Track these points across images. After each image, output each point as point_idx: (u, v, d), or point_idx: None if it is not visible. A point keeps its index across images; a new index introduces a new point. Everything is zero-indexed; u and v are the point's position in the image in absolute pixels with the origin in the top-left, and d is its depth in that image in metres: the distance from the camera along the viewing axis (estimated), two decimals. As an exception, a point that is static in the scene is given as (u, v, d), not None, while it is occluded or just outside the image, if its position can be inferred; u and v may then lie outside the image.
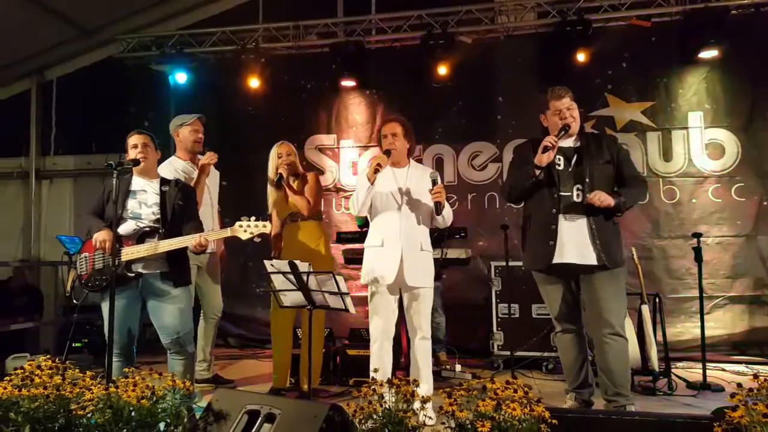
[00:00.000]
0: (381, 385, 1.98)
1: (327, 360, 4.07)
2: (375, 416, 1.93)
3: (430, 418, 2.12)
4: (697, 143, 5.36)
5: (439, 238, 4.52)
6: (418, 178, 3.18)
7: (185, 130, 3.94)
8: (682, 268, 5.08)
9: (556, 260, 2.96)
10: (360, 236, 4.30)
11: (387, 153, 3.13)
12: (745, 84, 5.29)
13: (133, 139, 3.08)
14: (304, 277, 2.79)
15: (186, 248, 2.92)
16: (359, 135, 6.05)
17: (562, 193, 2.96)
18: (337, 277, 2.70)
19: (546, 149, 2.89)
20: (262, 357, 5.14)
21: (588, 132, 3.13)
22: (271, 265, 2.87)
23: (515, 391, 1.94)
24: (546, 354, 4.50)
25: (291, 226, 3.82)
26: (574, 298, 3.11)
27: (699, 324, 4.12)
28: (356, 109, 6.08)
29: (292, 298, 2.92)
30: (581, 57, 5.25)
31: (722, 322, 5.13)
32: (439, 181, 3.09)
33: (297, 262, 2.79)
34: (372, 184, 3.04)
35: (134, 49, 6.25)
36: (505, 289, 4.68)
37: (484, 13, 5.72)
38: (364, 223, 4.14)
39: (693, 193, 5.30)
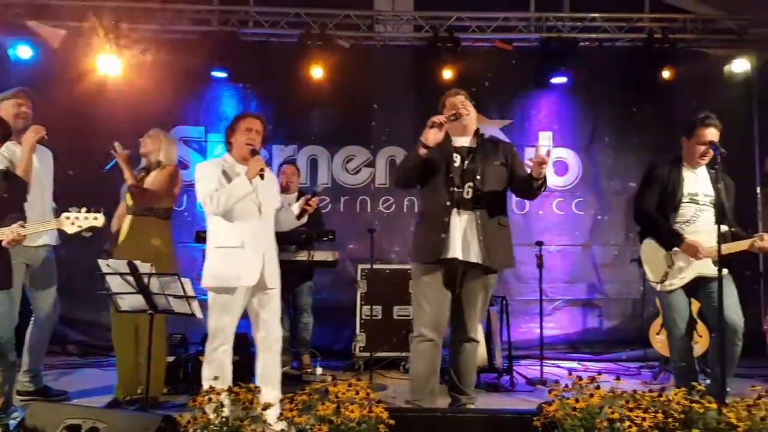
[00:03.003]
0: (218, 393, 1.92)
1: (177, 368, 3.87)
2: (212, 426, 1.87)
3: (270, 425, 2.10)
4: (547, 161, 5.90)
5: (307, 240, 4.54)
6: (270, 180, 3.18)
7: (7, 104, 3.49)
8: (528, 273, 5.52)
9: (446, 254, 2.95)
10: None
11: (254, 153, 3.05)
12: (588, 110, 5.95)
13: None
14: (145, 279, 2.61)
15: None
16: (230, 130, 5.83)
17: (455, 189, 3.00)
18: (183, 280, 2.57)
19: (434, 125, 2.87)
20: (107, 366, 4.73)
21: (486, 136, 3.24)
22: (107, 264, 2.64)
23: (357, 392, 2.00)
24: (404, 354, 4.67)
25: (135, 219, 3.54)
26: (448, 307, 3.07)
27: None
28: (227, 102, 5.84)
29: (131, 301, 2.71)
30: (450, 72, 5.53)
31: (560, 323, 5.72)
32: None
33: (137, 262, 2.60)
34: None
35: (-33, 15, 5.45)
36: (370, 291, 4.79)
37: (362, 20, 5.81)
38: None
39: (540, 206, 5.84)
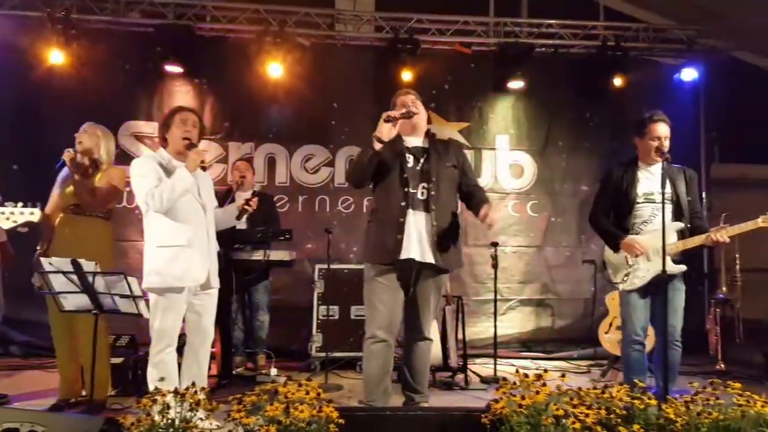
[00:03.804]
0: (164, 395, 1.88)
1: (126, 369, 3.76)
2: (157, 428, 1.82)
3: (219, 426, 2.06)
4: (502, 163, 6.03)
5: (263, 239, 4.48)
6: (205, 178, 3.16)
7: None
8: (484, 273, 5.63)
9: (402, 256, 2.92)
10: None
11: (192, 145, 2.99)
12: (543, 114, 6.06)
13: None
14: (90, 278, 2.52)
15: None
16: (185, 126, 5.70)
17: (410, 190, 2.98)
18: (130, 279, 2.49)
19: (389, 119, 2.87)
20: (51, 367, 4.55)
21: (436, 136, 3.25)
22: (50, 263, 2.55)
23: (307, 392, 1.98)
24: (361, 354, 4.63)
25: (71, 218, 3.40)
26: (402, 307, 3.06)
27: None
28: (182, 98, 5.65)
29: (75, 301, 2.62)
30: (410, 73, 5.55)
31: (514, 322, 5.84)
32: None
33: (82, 261, 2.51)
34: None
35: None
36: (328, 291, 4.77)
37: (322, 18, 5.79)
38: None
39: (496, 208, 5.88)
